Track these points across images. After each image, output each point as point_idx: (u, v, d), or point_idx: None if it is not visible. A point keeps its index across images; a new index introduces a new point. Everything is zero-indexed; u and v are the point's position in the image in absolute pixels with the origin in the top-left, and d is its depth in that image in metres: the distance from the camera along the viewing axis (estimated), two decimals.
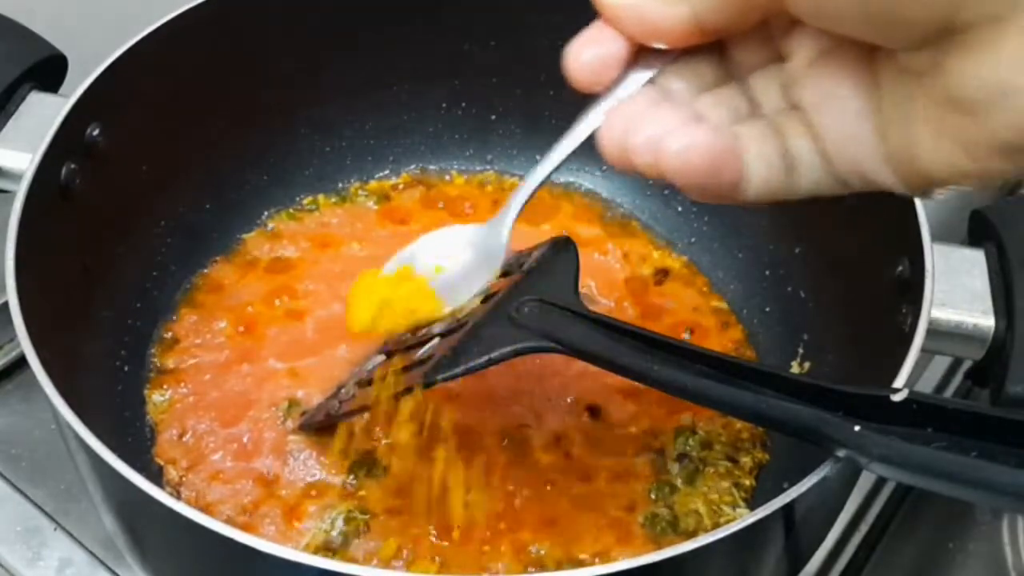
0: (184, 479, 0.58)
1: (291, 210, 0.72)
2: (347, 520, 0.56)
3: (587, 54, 0.39)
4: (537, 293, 0.48)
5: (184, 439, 0.60)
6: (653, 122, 0.37)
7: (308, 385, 0.62)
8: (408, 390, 0.51)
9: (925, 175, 0.35)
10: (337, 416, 0.57)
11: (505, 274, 0.52)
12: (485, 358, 0.47)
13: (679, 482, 0.59)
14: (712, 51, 0.39)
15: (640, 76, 0.39)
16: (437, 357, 0.49)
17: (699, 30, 0.37)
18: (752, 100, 0.40)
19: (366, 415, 0.55)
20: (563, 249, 0.51)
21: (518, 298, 0.48)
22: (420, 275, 0.51)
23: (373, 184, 0.74)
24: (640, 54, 0.39)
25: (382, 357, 0.56)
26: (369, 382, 0.54)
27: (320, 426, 0.59)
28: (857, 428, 0.39)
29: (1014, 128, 0.32)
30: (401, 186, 0.74)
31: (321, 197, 0.73)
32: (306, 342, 0.64)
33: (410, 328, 0.52)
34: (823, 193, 0.38)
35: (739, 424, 0.61)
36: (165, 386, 0.62)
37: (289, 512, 0.57)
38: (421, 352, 0.52)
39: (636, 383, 0.59)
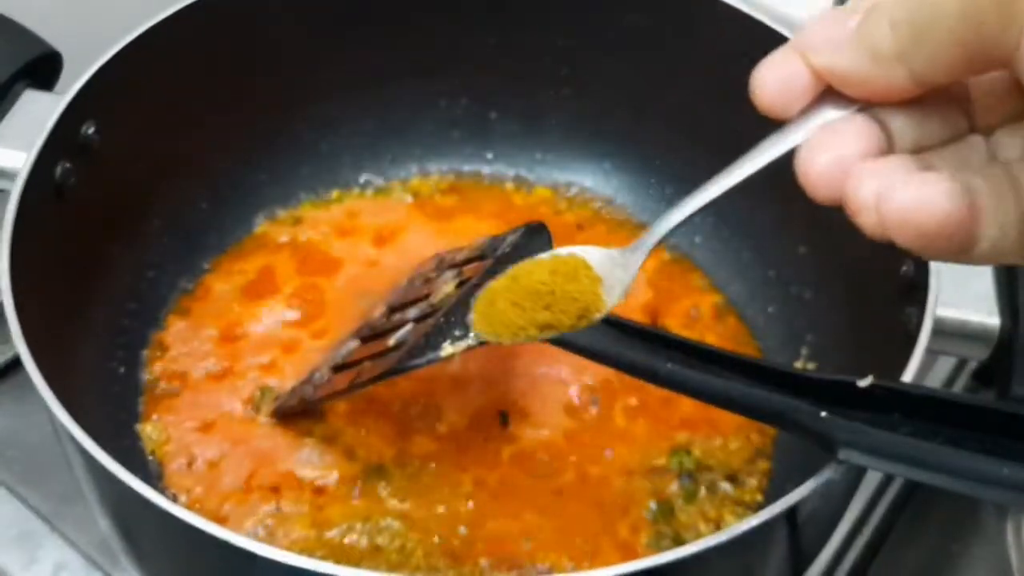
0: (198, 505, 0.57)
1: (288, 209, 0.71)
2: (370, 527, 0.56)
3: (771, 76, 0.34)
4: None
5: (193, 467, 0.58)
6: (874, 172, 0.32)
7: (285, 376, 0.61)
8: (381, 376, 0.50)
9: None
10: (312, 401, 0.57)
11: (479, 259, 0.51)
12: None
13: (679, 502, 0.57)
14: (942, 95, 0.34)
15: (840, 110, 0.34)
16: (410, 343, 0.49)
17: (922, 86, 0.32)
18: (989, 148, 0.34)
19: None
20: (537, 235, 0.51)
21: None
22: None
23: (413, 181, 0.73)
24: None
25: (356, 343, 0.55)
26: (343, 367, 0.54)
27: (294, 411, 0.59)
28: (824, 414, 0.39)
29: None
30: (437, 194, 0.73)
31: (328, 194, 0.72)
32: (294, 338, 0.64)
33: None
34: None
35: (737, 443, 0.60)
36: (155, 416, 0.60)
37: (308, 521, 0.56)
38: (395, 338, 0.52)
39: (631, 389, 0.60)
